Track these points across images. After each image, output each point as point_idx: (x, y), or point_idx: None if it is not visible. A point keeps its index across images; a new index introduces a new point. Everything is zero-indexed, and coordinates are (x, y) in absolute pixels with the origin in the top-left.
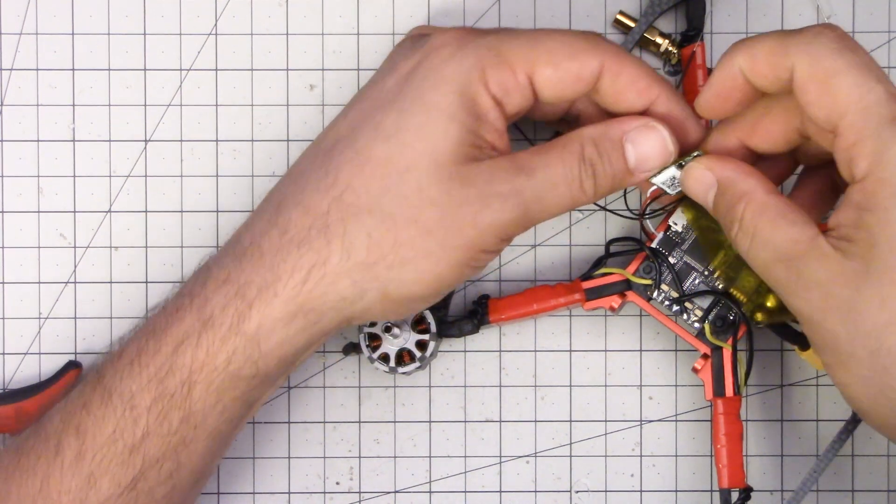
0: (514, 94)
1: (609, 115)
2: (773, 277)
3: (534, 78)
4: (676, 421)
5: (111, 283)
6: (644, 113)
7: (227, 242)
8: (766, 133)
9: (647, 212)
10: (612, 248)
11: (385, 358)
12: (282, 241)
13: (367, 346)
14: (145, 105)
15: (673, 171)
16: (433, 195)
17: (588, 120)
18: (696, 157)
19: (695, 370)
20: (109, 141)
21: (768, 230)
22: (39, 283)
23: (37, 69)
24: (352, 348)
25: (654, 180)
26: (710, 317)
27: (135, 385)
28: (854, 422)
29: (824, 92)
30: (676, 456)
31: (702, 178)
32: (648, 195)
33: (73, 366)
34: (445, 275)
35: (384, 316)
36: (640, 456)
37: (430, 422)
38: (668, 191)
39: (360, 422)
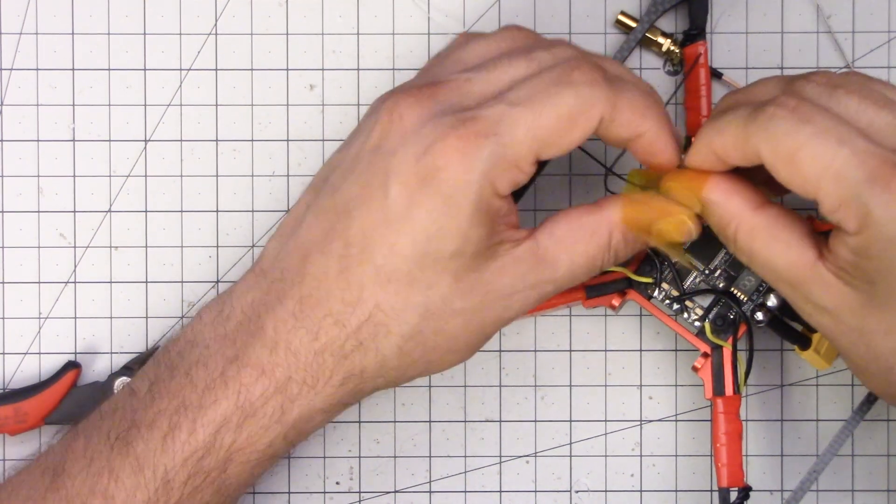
0: (520, 181)
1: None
2: (782, 292)
3: (539, 156)
4: (676, 421)
5: (111, 283)
6: (632, 141)
7: (237, 302)
8: (702, 166)
9: None
10: None
11: None
12: (314, 347)
13: None
14: (145, 105)
15: None
16: (457, 307)
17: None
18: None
19: (695, 369)
20: (109, 141)
21: (764, 255)
22: (39, 283)
23: (37, 69)
24: None
25: None
26: (711, 315)
27: (169, 462)
28: (868, 402)
29: (793, 170)
30: (676, 456)
31: (682, 217)
32: None
33: (72, 366)
34: (467, 358)
35: None
36: (640, 456)
37: (430, 422)
38: None
39: (360, 422)
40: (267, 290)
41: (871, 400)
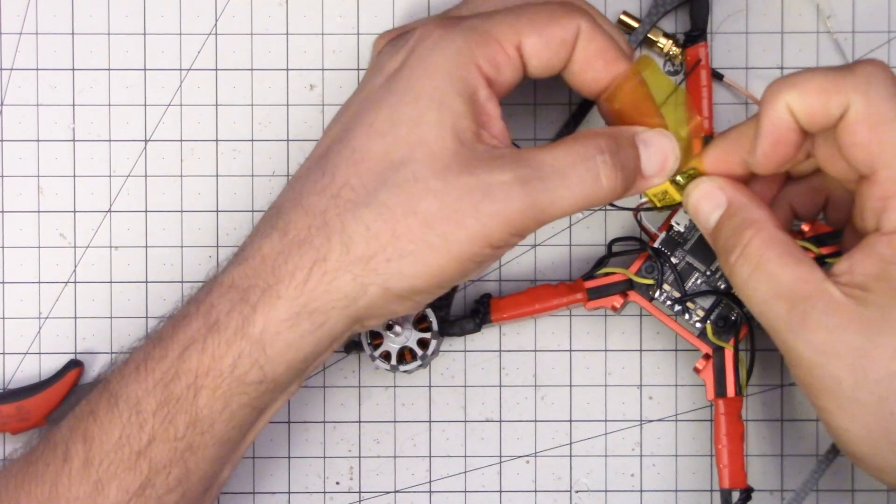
0: (504, 69)
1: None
2: (770, 312)
3: (522, 48)
4: (676, 421)
5: (111, 282)
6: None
7: (233, 254)
8: (773, 155)
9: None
10: (614, 248)
11: (386, 356)
12: (283, 243)
13: (369, 343)
14: (145, 105)
15: (665, 186)
16: (431, 185)
17: None
18: (691, 174)
19: (696, 370)
20: (109, 141)
21: (774, 263)
22: (39, 283)
23: (37, 69)
24: (353, 346)
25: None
26: (712, 317)
27: (140, 390)
28: (833, 452)
29: (873, 137)
30: (676, 456)
31: (712, 196)
32: (640, 202)
33: (74, 365)
34: (448, 267)
35: (390, 312)
36: (640, 456)
37: (430, 422)
38: (657, 204)
39: (360, 422)
40: (256, 224)
41: (835, 451)
